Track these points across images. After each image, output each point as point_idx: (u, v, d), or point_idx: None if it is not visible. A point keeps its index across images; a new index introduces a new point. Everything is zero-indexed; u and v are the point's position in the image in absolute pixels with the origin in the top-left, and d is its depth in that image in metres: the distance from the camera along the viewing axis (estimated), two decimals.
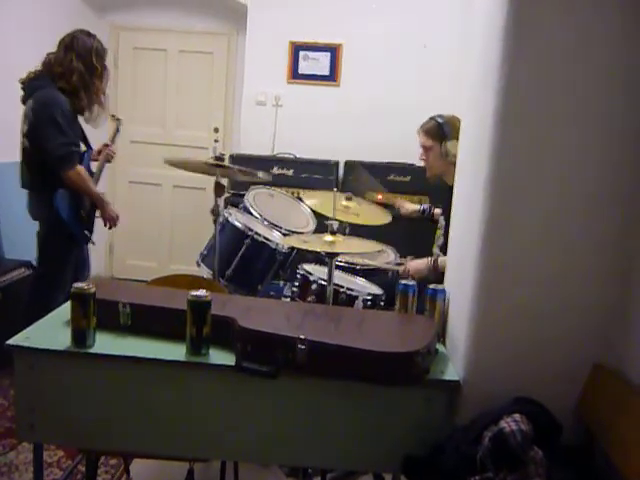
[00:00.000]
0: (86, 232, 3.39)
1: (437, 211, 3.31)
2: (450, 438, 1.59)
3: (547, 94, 1.59)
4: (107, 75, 3.35)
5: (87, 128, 3.40)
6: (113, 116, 3.67)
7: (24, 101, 3.20)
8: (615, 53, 1.56)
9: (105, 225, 3.46)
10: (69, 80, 3.15)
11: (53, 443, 2.55)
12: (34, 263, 3.83)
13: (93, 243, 3.51)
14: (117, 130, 3.62)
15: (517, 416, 1.46)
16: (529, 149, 1.61)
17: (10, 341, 1.80)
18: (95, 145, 3.51)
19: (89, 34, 3.29)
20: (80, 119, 3.33)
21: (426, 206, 3.39)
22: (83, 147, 3.39)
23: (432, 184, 3.08)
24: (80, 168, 3.18)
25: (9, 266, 3.82)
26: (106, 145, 3.55)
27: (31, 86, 3.17)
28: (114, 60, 5.28)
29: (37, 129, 3.11)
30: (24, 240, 3.81)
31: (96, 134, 3.54)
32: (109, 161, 3.58)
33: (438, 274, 2.59)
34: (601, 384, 1.63)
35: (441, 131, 2.84)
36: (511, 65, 1.59)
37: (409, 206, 3.47)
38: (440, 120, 2.86)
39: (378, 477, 2.75)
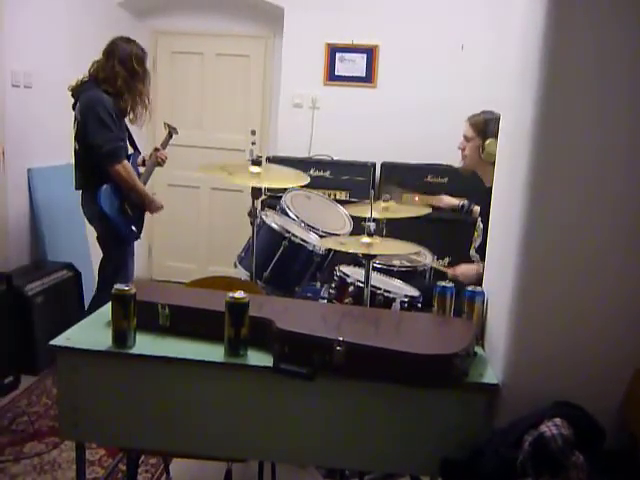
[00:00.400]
0: (133, 228, 3.45)
1: (476, 208, 3.28)
2: (489, 442, 1.57)
3: (585, 92, 1.56)
4: (149, 78, 3.46)
5: (136, 133, 3.50)
6: (167, 124, 3.78)
7: (74, 107, 3.32)
8: None
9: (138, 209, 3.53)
10: (113, 84, 3.28)
11: (95, 442, 2.59)
12: (76, 265, 3.92)
13: (139, 238, 3.59)
14: (170, 136, 3.74)
15: (558, 420, 1.44)
16: (568, 151, 1.58)
17: (53, 342, 1.84)
18: (144, 150, 3.60)
19: (129, 40, 3.40)
20: (128, 123, 3.43)
21: (466, 202, 3.36)
22: (130, 149, 3.48)
23: (465, 177, 3.06)
24: (126, 163, 3.29)
25: (52, 268, 3.91)
26: (157, 149, 3.66)
27: (78, 91, 3.31)
28: (153, 64, 5.35)
29: (84, 128, 3.23)
30: (66, 243, 3.90)
31: (144, 140, 3.63)
32: (160, 165, 3.69)
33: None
34: None
35: (486, 127, 2.83)
36: (551, 66, 1.57)
37: (448, 200, 3.44)
38: (489, 116, 2.84)
39: (415, 479, 2.73)
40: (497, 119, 2.79)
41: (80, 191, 3.43)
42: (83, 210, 3.45)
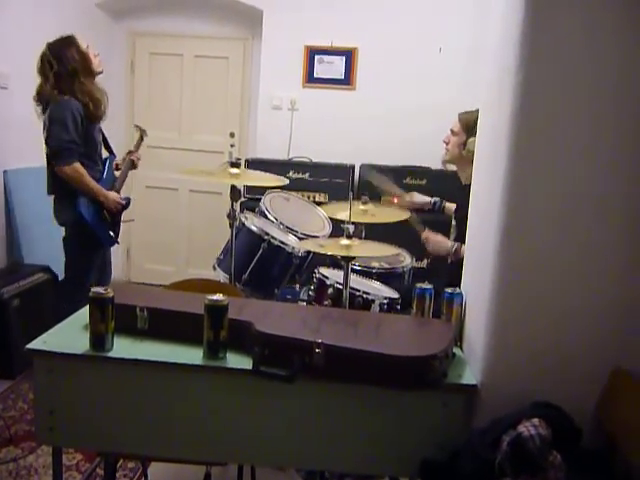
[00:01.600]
0: (111, 233, 3.44)
1: (448, 205, 3.31)
2: (468, 443, 1.58)
3: (563, 95, 1.58)
4: (87, 59, 3.33)
5: (110, 136, 3.47)
6: (137, 127, 3.76)
7: (44, 112, 3.28)
8: (628, 52, 1.55)
9: (114, 214, 3.49)
10: (74, 89, 3.23)
11: (72, 446, 2.57)
12: (52, 268, 3.87)
13: (117, 242, 3.57)
14: (141, 138, 3.72)
15: (536, 420, 1.45)
16: (545, 149, 1.60)
17: (29, 345, 1.82)
18: (119, 153, 3.58)
19: (44, 49, 3.29)
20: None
21: (437, 200, 3.38)
22: (106, 153, 3.45)
23: (443, 178, 3.11)
24: (77, 165, 3.23)
25: (28, 271, 3.86)
26: (130, 152, 3.65)
27: (46, 98, 3.26)
28: (131, 65, 5.33)
29: (48, 130, 3.21)
30: (42, 245, 3.86)
31: (118, 141, 3.61)
32: (135, 167, 3.68)
33: (457, 260, 2.60)
34: (622, 387, 1.61)
35: (474, 125, 2.84)
36: (527, 66, 1.58)
37: (419, 198, 3.45)
38: (477, 116, 2.86)
39: None
40: None
41: (52, 196, 3.39)
42: (55, 215, 3.39)
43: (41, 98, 3.28)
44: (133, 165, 3.66)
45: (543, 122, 1.60)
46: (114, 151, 3.65)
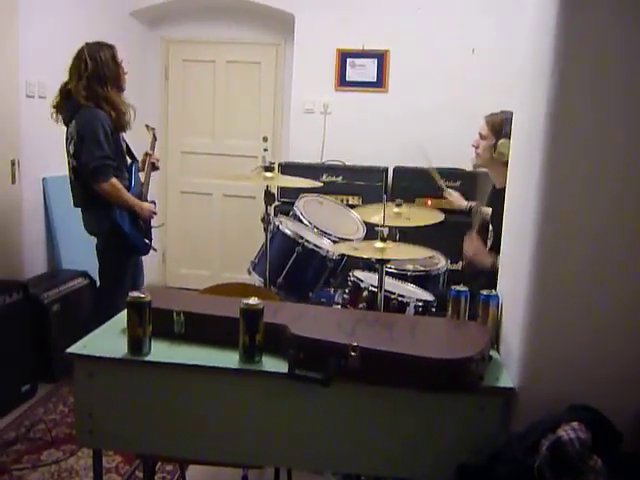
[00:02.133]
0: (146, 241, 3.49)
1: (484, 210, 3.27)
2: (506, 446, 1.56)
3: (600, 96, 1.56)
4: (121, 71, 3.35)
5: (135, 129, 3.49)
6: (147, 126, 3.72)
7: (66, 122, 3.30)
8: None
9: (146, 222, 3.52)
10: (96, 101, 3.22)
11: (111, 449, 2.61)
12: (90, 273, 3.94)
13: (155, 250, 3.61)
14: (154, 138, 3.70)
15: (575, 424, 1.43)
16: (581, 150, 1.58)
17: (69, 349, 1.85)
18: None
19: (83, 47, 3.30)
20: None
21: (474, 204, 3.36)
22: (129, 159, 3.48)
23: (477, 180, 3.07)
24: (114, 180, 3.25)
25: (67, 276, 3.94)
26: (147, 154, 3.63)
27: (69, 113, 3.27)
28: (165, 72, 5.40)
29: (80, 146, 3.21)
30: (80, 251, 3.93)
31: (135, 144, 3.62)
32: (156, 168, 3.68)
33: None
34: None
35: (501, 127, 2.82)
36: (562, 68, 1.56)
37: (457, 198, 3.43)
38: (506, 117, 2.82)
39: None
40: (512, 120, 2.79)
41: (79, 208, 3.41)
42: (87, 225, 3.41)
43: (66, 97, 3.26)
44: (154, 167, 3.65)
45: (578, 125, 1.57)
46: (135, 156, 3.63)
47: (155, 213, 3.54)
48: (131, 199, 3.35)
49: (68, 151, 3.29)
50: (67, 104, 3.27)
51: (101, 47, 3.30)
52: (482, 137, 2.94)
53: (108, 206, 3.28)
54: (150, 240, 3.56)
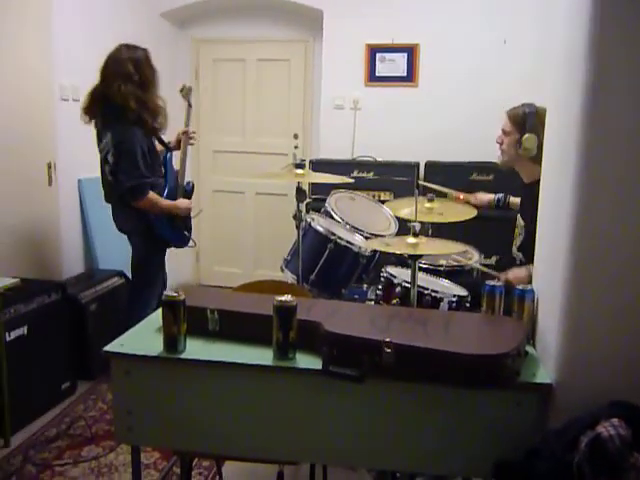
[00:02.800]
0: (186, 233, 3.53)
1: (513, 200, 3.22)
2: (544, 443, 1.54)
3: (637, 89, 1.52)
4: (156, 77, 3.33)
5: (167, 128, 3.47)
6: (181, 90, 3.58)
7: (98, 127, 3.31)
8: None
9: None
10: (131, 108, 3.18)
11: (149, 445, 2.65)
12: (126, 273, 4.00)
13: (194, 243, 3.63)
14: (189, 105, 3.58)
15: (615, 420, 1.40)
16: (618, 146, 1.54)
17: (107, 348, 1.89)
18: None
19: (119, 49, 3.28)
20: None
21: (500, 195, 3.28)
22: (160, 148, 3.46)
23: (508, 173, 3.00)
24: (151, 195, 3.26)
25: (103, 276, 4.01)
26: (184, 132, 3.56)
27: (105, 117, 3.26)
28: (195, 72, 5.45)
29: (117, 163, 3.21)
30: (116, 251, 3.99)
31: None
32: (192, 143, 3.60)
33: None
34: None
35: (524, 121, 2.74)
36: (597, 60, 1.53)
37: (482, 196, 3.37)
38: (528, 110, 2.75)
39: None
40: (537, 113, 2.73)
41: (110, 204, 3.42)
42: (117, 222, 3.43)
43: (100, 100, 3.24)
44: (190, 143, 3.57)
45: (614, 116, 1.54)
46: (168, 145, 3.60)
47: (191, 207, 3.53)
48: (167, 205, 3.36)
49: (104, 158, 3.27)
50: (103, 107, 3.25)
51: (137, 49, 3.29)
52: (505, 133, 2.83)
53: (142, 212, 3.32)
54: (189, 231, 3.58)
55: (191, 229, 3.59)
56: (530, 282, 2.54)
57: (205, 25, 5.39)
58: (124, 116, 3.19)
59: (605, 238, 1.58)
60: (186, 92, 3.56)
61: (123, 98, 3.17)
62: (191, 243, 3.62)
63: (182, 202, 3.46)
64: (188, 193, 3.55)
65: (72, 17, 3.98)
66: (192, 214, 3.61)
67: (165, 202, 3.35)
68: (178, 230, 3.47)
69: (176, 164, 3.55)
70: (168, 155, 3.53)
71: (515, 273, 2.79)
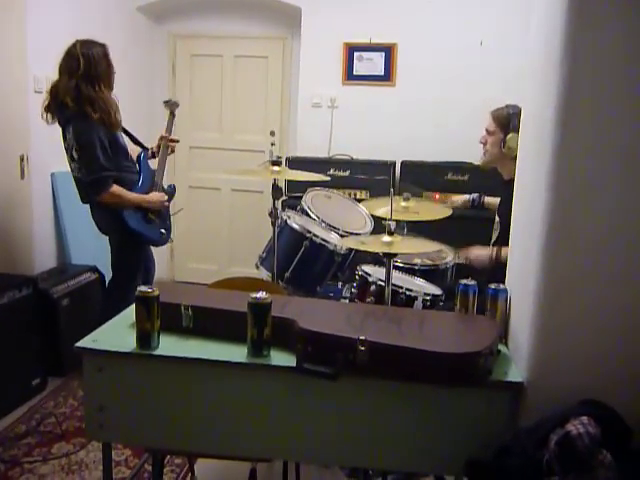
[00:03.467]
0: (162, 231, 3.48)
1: (487, 200, 3.27)
2: (515, 441, 1.56)
3: (609, 93, 1.54)
4: (110, 73, 3.29)
5: (144, 124, 3.45)
6: (166, 102, 3.62)
7: (62, 125, 3.26)
8: None
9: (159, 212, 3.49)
10: (66, 104, 3.15)
11: (121, 442, 2.62)
12: (99, 268, 3.96)
13: (172, 240, 3.61)
14: (172, 115, 3.59)
15: (585, 418, 1.42)
16: (592, 146, 1.57)
17: (79, 344, 1.86)
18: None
19: (74, 44, 3.24)
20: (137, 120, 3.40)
21: (475, 195, 3.34)
22: (136, 150, 3.46)
23: (485, 173, 3.05)
24: (114, 188, 3.22)
25: (76, 271, 3.96)
26: (163, 137, 3.57)
27: (64, 115, 3.22)
28: (172, 68, 5.40)
29: (80, 158, 3.19)
30: (89, 245, 3.95)
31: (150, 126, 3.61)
32: (172, 151, 3.61)
33: (499, 264, 2.56)
34: None
35: (508, 121, 2.80)
36: (572, 61, 1.55)
37: (457, 197, 3.42)
38: (512, 111, 2.81)
39: (439, 479, 2.72)
40: (519, 113, 2.77)
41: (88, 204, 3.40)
42: (96, 223, 3.41)
43: (55, 97, 3.20)
44: (170, 150, 3.57)
45: (589, 119, 1.56)
46: (144, 144, 3.60)
47: (166, 201, 3.49)
48: (136, 198, 3.33)
49: (70, 155, 3.25)
50: (59, 106, 3.21)
51: (93, 45, 3.24)
52: (489, 133, 2.91)
53: (113, 207, 3.29)
54: (167, 229, 3.54)
55: (169, 229, 3.57)
56: (491, 264, 2.60)
57: (182, 20, 5.35)
58: (80, 111, 3.16)
59: (578, 238, 1.61)
60: (171, 105, 3.59)
61: (63, 93, 3.15)
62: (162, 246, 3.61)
63: (154, 195, 3.42)
64: (171, 194, 3.58)
65: (47, 8, 3.91)
66: (171, 212, 3.59)
67: (132, 195, 3.31)
68: (153, 226, 3.44)
69: (153, 165, 3.54)
70: (143, 154, 3.52)
71: (477, 251, 2.85)
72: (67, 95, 3.15)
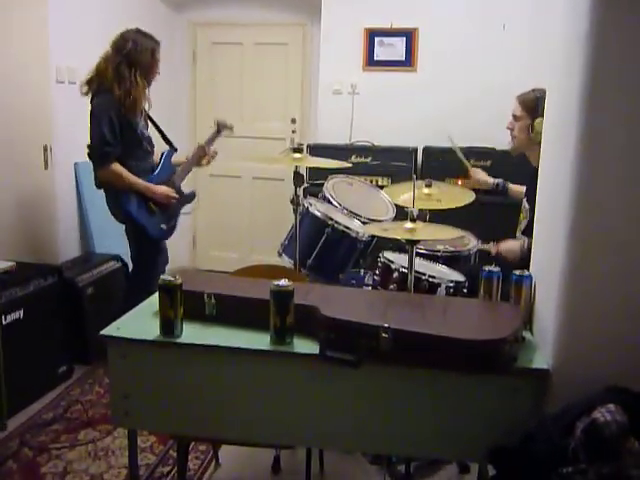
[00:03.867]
0: (162, 226, 3.47)
1: (512, 186, 3.22)
2: (540, 428, 1.54)
3: (636, 68, 1.51)
4: (151, 65, 3.37)
5: (173, 127, 3.50)
6: (220, 122, 3.71)
7: (92, 96, 3.35)
8: None
9: (166, 207, 3.48)
10: (121, 81, 3.24)
11: (146, 429, 2.65)
12: (123, 256, 3.99)
13: (169, 235, 3.59)
14: (217, 133, 3.67)
15: (611, 406, 1.40)
16: (617, 123, 1.54)
17: (104, 331, 1.88)
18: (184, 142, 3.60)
19: (130, 30, 3.35)
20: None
21: (500, 181, 3.28)
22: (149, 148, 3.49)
23: (509, 159, 3.00)
24: (114, 166, 3.26)
25: (100, 260, 3.99)
26: (200, 146, 3.63)
27: (97, 87, 3.30)
28: (193, 56, 5.40)
29: (90, 129, 3.27)
30: (112, 234, 3.97)
31: (180, 132, 3.62)
32: (201, 164, 3.66)
33: (530, 254, 2.53)
34: None
35: (535, 105, 2.74)
36: (597, 45, 1.51)
37: (483, 176, 3.37)
38: (539, 94, 2.75)
39: (463, 466, 2.71)
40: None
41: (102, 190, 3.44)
42: (110, 209, 3.44)
43: (98, 69, 3.29)
44: (200, 161, 3.61)
45: (612, 103, 1.53)
46: (174, 144, 3.65)
47: (175, 198, 3.47)
48: (139, 183, 3.33)
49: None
50: (98, 76, 3.30)
51: (146, 37, 3.35)
52: (516, 118, 2.85)
53: (118, 191, 3.32)
54: (170, 227, 3.53)
55: (173, 228, 3.56)
56: (523, 256, 2.55)
57: (202, 8, 5.34)
58: (107, 87, 3.24)
59: (604, 224, 1.58)
60: (222, 125, 3.68)
61: (105, 64, 3.25)
62: (183, 234, 3.61)
63: (160, 187, 3.42)
64: (186, 198, 3.61)
65: (65, 2, 3.93)
66: (185, 210, 3.62)
67: (134, 178, 3.32)
68: (153, 218, 3.41)
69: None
70: (168, 152, 3.57)
71: (508, 245, 2.81)
72: (108, 67, 3.25)
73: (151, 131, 3.54)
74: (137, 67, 3.28)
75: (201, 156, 3.61)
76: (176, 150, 3.64)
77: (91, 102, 3.31)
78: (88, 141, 3.30)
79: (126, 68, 3.25)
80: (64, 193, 4.02)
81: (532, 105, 2.76)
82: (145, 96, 3.35)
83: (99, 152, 3.25)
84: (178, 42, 5.35)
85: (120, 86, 3.23)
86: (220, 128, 3.66)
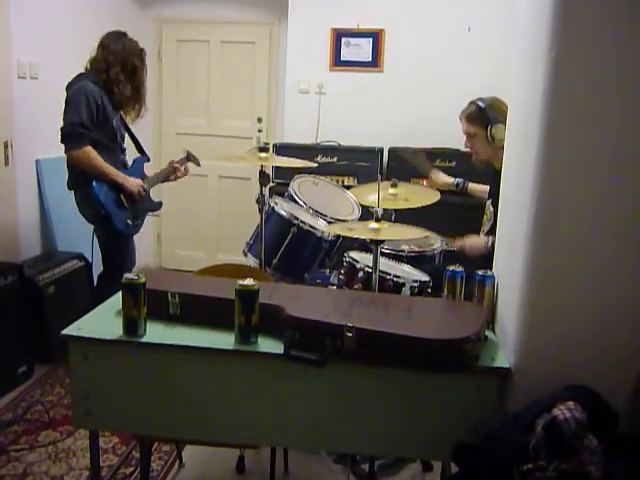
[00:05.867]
0: (128, 222, 3.44)
1: (472, 186, 3.25)
2: (502, 426, 1.57)
3: (598, 77, 1.54)
4: (144, 72, 3.47)
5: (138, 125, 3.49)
6: (188, 152, 3.80)
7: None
8: None
9: (135, 202, 3.47)
10: (105, 74, 3.29)
11: (108, 430, 2.62)
12: (85, 255, 3.93)
13: (137, 231, 3.59)
14: (187, 159, 3.74)
15: (571, 404, 1.43)
16: (578, 132, 1.56)
17: (65, 331, 1.85)
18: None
19: (123, 34, 3.43)
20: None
21: (460, 180, 3.31)
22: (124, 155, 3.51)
23: (479, 168, 3.02)
24: (88, 149, 3.23)
25: (62, 258, 3.93)
26: (171, 162, 3.69)
27: (70, 84, 3.31)
28: (158, 53, 5.35)
29: (64, 110, 3.25)
30: (75, 233, 3.92)
31: (146, 132, 3.60)
32: (171, 178, 3.70)
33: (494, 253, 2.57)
34: None
35: (484, 116, 2.76)
36: (560, 48, 1.54)
37: (443, 177, 3.39)
38: (482, 104, 2.78)
39: (426, 464, 2.74)
40: (490, 104, 2.76)
41: (72, 192, 3.41)
42: (80, 209, 3.41)
43: (71, 82, 3.32)
44: (170, 175, 3.67)
45: (575, 103, 1.55)
46: (146, 152, 3.70)
47: (145, 190, 3.47)
48: (110, 168, 3.31)
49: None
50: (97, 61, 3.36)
51: (137, 43, 3.46)
52: (471, 136, 2.85)
53: (88, 181, 3.26)
54: (136, 225, 3.51)
55: (139, 226, 3.55)
56: (486, 254, 2.58)
57: (168, 5, 5.29)
58: (88, 78, 3.27)
59: (565, 224, 1.61)
60: (191, 157, 3.79)
61: (106, 64, 3.30)
62: (148, 233, 3.62)
63: (132, 179, 3.42)
64: (153, 204, 3.66)
65: None
66: (150, 213, 3.65)
67: (106, 164, 3.30)
68: (121, 212, 3.38)
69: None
70: (139, 158, 3.62)
71: (473, 241, 2.84)
72: (98, 57, 3.31)
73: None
74: (128, 66, 3.34)
75: (170, 172, 3.67)
76: (149, 160, 3.65)
77: (70, 86, 3.29)
78: (61, 124, 3.25)
79: (115, 63, 3.30)
80: (25, 190, 3.95)
81: (478, 116, 2.77)
82: (128, 95, 3.39)
83: (75, 132, 3.20)
84: (143, 39, 5.23)
85: (109, 73, 3.29)
86: (189, 157, 3.76)
